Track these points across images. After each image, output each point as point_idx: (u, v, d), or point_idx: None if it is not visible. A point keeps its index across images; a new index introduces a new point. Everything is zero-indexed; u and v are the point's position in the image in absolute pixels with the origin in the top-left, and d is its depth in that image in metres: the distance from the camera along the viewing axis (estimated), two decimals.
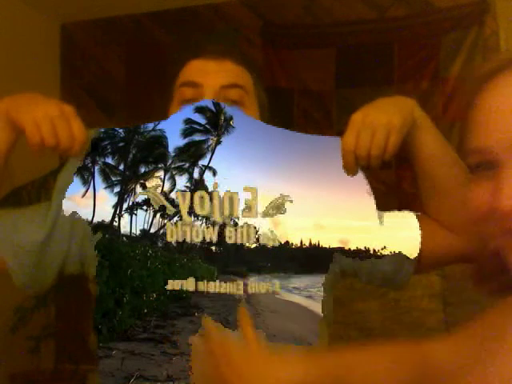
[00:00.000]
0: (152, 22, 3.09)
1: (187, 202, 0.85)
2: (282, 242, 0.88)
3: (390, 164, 2.59)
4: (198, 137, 0.89)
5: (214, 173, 0.88)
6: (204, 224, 0.85)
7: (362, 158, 0.82)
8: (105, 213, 0.90)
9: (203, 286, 0.83)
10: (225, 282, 0.83)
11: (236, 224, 0.85)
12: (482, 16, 2.52)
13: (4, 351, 2.44)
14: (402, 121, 0.82)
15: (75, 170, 0.89)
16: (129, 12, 3.06)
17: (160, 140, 0.92)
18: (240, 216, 0.85)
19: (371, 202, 0.88)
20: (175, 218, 0.86)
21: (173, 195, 0.89)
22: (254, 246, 0.86)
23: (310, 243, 0.89)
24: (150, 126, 0.96)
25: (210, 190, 0.87)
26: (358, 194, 0.87)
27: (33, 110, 0.81)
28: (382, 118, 0.81)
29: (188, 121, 0.91)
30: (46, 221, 0.85)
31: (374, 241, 0.88)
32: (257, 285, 0.84)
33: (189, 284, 0.83)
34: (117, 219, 0.90)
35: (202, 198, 0.85)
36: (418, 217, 0.90)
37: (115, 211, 0.90)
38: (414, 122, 0.84)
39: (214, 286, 0.83)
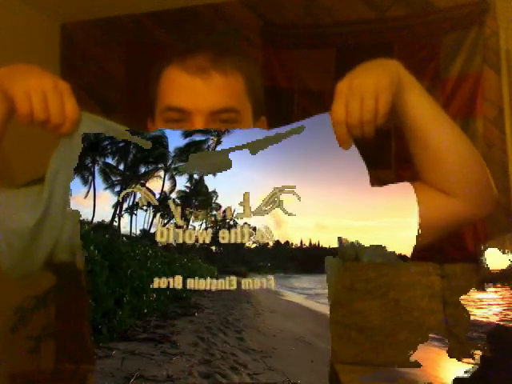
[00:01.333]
0: (152, 22, 3.09)
1: (179, 210, 0.84)
2: (282, 242, 0.88)
3: (390, 164, 2.59)
4: (198, 137, 0.89)
5: (214, 173, 0.88)
6: (200, 227, 0.85)
7: (354, 127, 0.79)
8: (105, 213, 0.89)
9: (193, 283, 0.81)
10: (217, 279, 0.82)
11: (235, 225, 0.85)
12: (482, 16, 2.52)
13: (4, 351, 2.44)
14: (389, 80, 0.79)
15: (68, 153, 0.84)
16: (129, 12, 3.06)
17: (160, 140, 0.92)
18: (234, 219, 0.85)
19: (372, 202, 0.88)
20: (168, 221, 0.85)
21: (173, 195, 0.89)
22: (253, 245, 0.86)
23: (310, 243, 0.89)
24: None
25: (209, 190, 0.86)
26: (359, 194, 0.87)
27: (25, 81, 0.78)
28: (368, 81, 0.78)
29: None
30: (38, 205, 0.82)
31: (374, 241, 0.88)
32: (251, 281, 0.83)
33: (176, 281, 0.81)
34: (117, 219, 0.90)
35: (194, 215, 0.85)
36: (413, 185, 0.87)
37: (115, 211, 0.90)
38: (399, 82, 0.81)
39: (205, 284, 0.82)
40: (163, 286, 0.81)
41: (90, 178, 0.93)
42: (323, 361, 0.86)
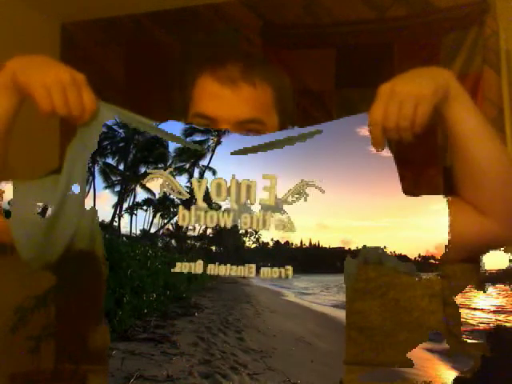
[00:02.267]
0: (152, 22, 3.09)
1: (203, 188, 0.84)
2: (282, 242, 0.88)
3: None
4: (198, 137, 0.89)
5: (214, 173, 0.88)
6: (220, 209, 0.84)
7: (389, 130, 0.78)
8: (105, 213, 0.90)
9: (213, 269, 0.81)
10: (237, 266, 0.81)
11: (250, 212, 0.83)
12: (482, 16, 2.52)
13: (4, 351, 2.44)
14: (432, 90, 0.78)
15: (86, 142, 0.85)
16: (129, 12, 3.06)
17: (160, 140, 0.92)
18: (257, 203, 0.83)
19: (373, 202, 0.88)
20: (168, 221, 0.85)
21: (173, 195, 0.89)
22: (254, 245, 0.86)
23: (310, 243, 0.89)
24: None
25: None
26: (360, 194, 0.87)
27: (43, 74, 0.78)
28: (410, 88, 0.78)
29: None
30: (55, 195, 0.83)
31: (375, 241, 0.88)
32: (270, 270, 0.82)
33: (197, 267, 0.81)
34: (117, 219, 0.90)
35: (219, 184, 0.84)
36: (448, 201, 0.85)
37: (115, 211, 0.90)
38: (447, 94, 0.79)
39: (225, 270, 0.81)
40: (185, 270, 0.81)
41: (90, 178, 0.93)
42: (323, 361, 0.86)
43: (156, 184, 0.91)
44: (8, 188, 0.83)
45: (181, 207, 0.83)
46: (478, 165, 0.81)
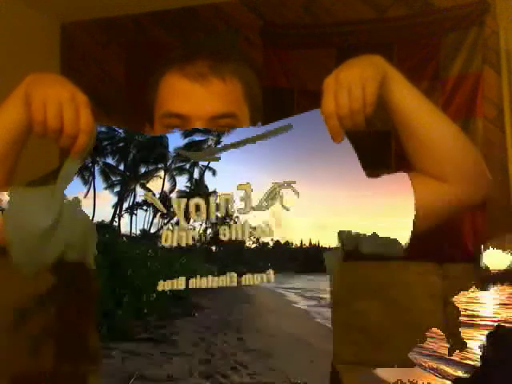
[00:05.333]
0: (152, 22, 3.10)
1: (182, 207, 0.85)
2: (282, 242, 0.88)
3: (390, 163, 2.59)
4: (198, 137, 0.89)
5: (214, 173, 0.88)
6: (201, 226, 0.86)
7: (344, 118, 0.81)
8: (105, 213, 0.89)
9: (195, 282, 0.82)
10: (218, 276, 0.83)
11: (235, 222, 0.85)
12: (482, 16, 2.52)
13: (4, 351, 2.44)
14: (374, 71, 0.82)
15: (82, 157, 0.86)
16: (129, 12, 3.06)
17: (160, 140, 0.92)
18: (235, 215, 0.85)
19: (372, 201, 0.88)
20: (172, 222, 0.86)
21: (173, 195, 0.89)
22: (254, 245, 0.86)
23: (310, 243, 0.89)
24: None
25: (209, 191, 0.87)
26: (359, 193, 0.87)
27: (44, 89, 0.80)
28: (353, 72, 0.82)
29: None
30: (53, 206, 0.84)
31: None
32: (251, 277, 0.83)
33: (180, 283, 0.82)
34: (117, 219, 0.90)
35: (197, 205, 0.85)
36: (409, 175, 0.88)
37: (115, 211, 0.90)
38: (386, 74, 0.84)
39: (207, 281, 0.83)
40: (167, 287, 0.82)
41: (90, 178, 0.93)
42: (323, 361, 0.86)
43: (156, 184, 0.91)
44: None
45: (164, 230, 0.85)
46: (426, 136, 0.86)
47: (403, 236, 0.87)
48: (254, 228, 0.85)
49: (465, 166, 0.87)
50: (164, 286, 0.83)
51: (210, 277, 0.83)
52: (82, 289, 0.89)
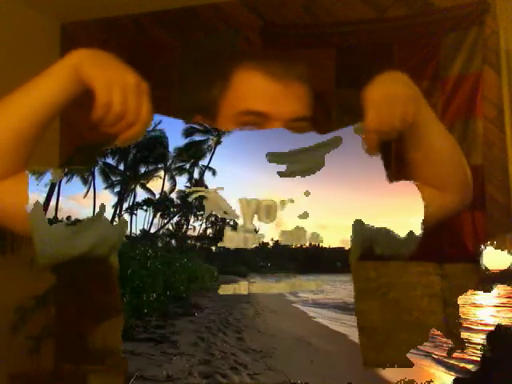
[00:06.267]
0: (152, 22, 3.09)
1: (252, 208, 0.84)
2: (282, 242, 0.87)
3: (390, 164, 2.59)
4: (198, 137, 0.89)
5: (214, 173, 0.88)
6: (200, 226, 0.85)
7: (383, 133, 0.82)
8: (105, 213, 0.89)
9: (255, 287, 0.82)
10: (276, 282, 0.83)
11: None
12: (482, 16, 2.52)
13: (4, 351, 2.44)
14: (414, 91, 0.84)
15: None
16: (129, 12, 3.06)
17: (160, 140, 0.92)
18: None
19: (373, 202, 0.88)
20: (168, 221, 0.85)
21: (173, 195, 0.89)
22: (254, 245, 0.86)
23: (310, 243, 0.89)
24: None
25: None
26: (359, 194, 0.87)
27: (109, 71, 0.76)
28: (399, 91, 0.82)
29: None
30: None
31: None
32: (228, 286, 0.83)
33: (241, 288, 0.82)
34: (117, 219, 0.90)
35: (269, 206, 0.84)
36: (417, 186, 0.91)
37: (115, 211, 0.90)
38: (418, 94, 0.86)
39: (263, 288, 0.82)
40: (229, 292, 0.82)
41: (90, 178, 0.93)
42: (323, 361, 0.86)
43: (156, 184, 0.91)
44: None
45: (227, 229, 0.83)
46: (436, 150, 0.89)
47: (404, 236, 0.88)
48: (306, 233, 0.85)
49: (461, 177, 0.93)
50: (225, 290, 0.82)
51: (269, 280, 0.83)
52: (103, 284, 0.87)
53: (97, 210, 0.89)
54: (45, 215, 0.79)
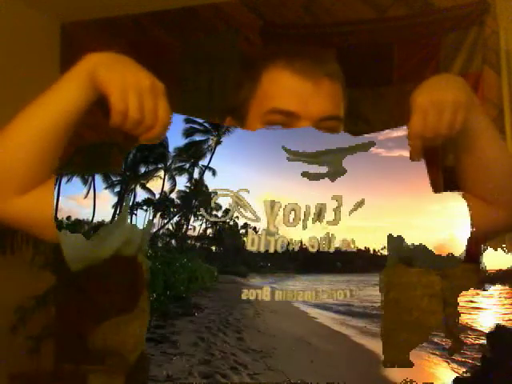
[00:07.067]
0: (152, 22, 3.10)
1: (275, 211, 0.82)
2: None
3: (437, 172, 2.58)
4: (198, 137, 0.89)
5: (214, 173, 0.88)
6: (200, 227, 0.84)
7: (428, 140, 0.79)
8: (105, 213, 0.89)
9: (278, 295, 0.82)
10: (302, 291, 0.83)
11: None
12: (482, 16, 2.52)
13: (4, 351, 2.44)
14: (465, 96, 0.80)
15: None
16: (129, 12, 3.06)
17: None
18: (324, 225, 0.84)
19: (374, 202, 0.88)
20: (168, 221, 0.85)
21: (173, 195, 0.89)
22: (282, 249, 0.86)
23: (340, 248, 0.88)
24: None
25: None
26: (360, 194, 0.87)
27: (123, 76, 0.74)
28: (447, 96, 0.78)
29: (188, 120, 0.91)
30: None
31: (376, 241, 0.88)
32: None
33: (264, 293, 0.81)
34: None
35: (293, 209, 0.83)
36: (464, 196, 0.88)
37: (115, 211, 0.90)
38: (472, 101, 0.81)
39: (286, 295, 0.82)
40: (252, 297, 0.81)
41: (90, 178, 0.93)
42: (323, 361, 0.86)
43: (156, 184, 0.91)
44: None
45: (250, 231, 0.82)
46: (492, 164, 0.86)
47: (409, 236, 0.87)
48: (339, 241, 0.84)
49: None
50: (248, 295, 0.81)
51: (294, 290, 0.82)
52: (132, 281, 0.86)
53: (97, 210, 0.89)
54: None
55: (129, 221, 0.84)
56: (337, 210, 0.84)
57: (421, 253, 0.88)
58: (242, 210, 0.83)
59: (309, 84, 0.85)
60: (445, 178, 0.94)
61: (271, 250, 0.81)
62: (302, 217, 0.83)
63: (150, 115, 0.74)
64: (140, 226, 0.84)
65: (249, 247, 0.81)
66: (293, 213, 0.82)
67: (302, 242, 0.89)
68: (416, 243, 0.87)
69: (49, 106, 0.78)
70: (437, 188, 0.89)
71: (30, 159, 0.78)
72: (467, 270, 0.97)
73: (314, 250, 0.82)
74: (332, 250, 0.83)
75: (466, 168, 0.89)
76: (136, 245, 0.84)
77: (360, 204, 0.85)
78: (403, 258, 0.89)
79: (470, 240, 0.88)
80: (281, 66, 0.87)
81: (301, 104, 0.85)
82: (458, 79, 0.84)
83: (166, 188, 0.91)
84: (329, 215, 0.84)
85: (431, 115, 0.77)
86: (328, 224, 0.84)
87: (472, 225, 0.87)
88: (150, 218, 0.88)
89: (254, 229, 0.82)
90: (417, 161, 0.83)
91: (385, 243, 0.88)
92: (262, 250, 0.82)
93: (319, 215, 0.83)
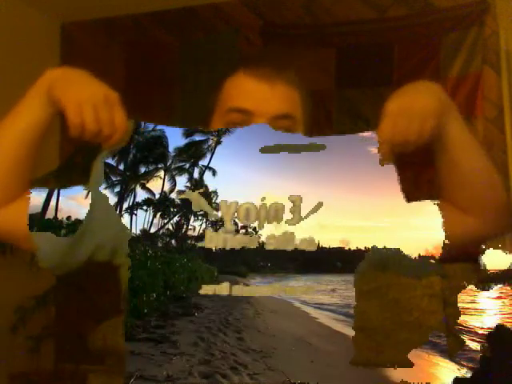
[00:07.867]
0: (152, 22, 3.09)
1: (231, 211, 0.84)
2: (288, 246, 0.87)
3: (408, 179, 2.58)
4: (198, 137, 0.90)
5: (214, 173, 0.89)
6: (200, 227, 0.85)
7: (397, 146, 0.81)
8: (98, 218, 0.89)
9: (236, 290, 0.83)
10: (263, 285, 0.83)
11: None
12: (482, 16, 2.52)
13: (4, 351, 2.44)
14: (437, 105, 0.80)
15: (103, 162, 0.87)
16: (129, 12, 3.05)
17: (160, 140, 0.93)
18: (283, 224, 0.85)
19: (373, 202, 0.88)
20: (168, 221, 0.85)
21: (173, 195, 0.89)
22: (254, 246, 0.86)
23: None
24: (150, 126, 0.96)
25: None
26: (359, 194, 0.87)
27: (77, 91, 0.79)
28: (417, 103, 0.80)
29: None
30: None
31: (375, 241, 0.88)
32: (208, 287, 0.83)
33: (222, 289, 0.82)
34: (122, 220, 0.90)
35: (248, 208, 0.84)
36: (439, 205, 0.89)
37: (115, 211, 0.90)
38: (444, 108, 0.82)
39: (244, 290, 0.82)
40: (210, 292, 0.82)
41: None
42: (323, 361, 0.86)
43: (156, 184, 0.91)
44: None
45: (208, 230, 0.84)
46: (467, 171, 0.86)
47: (409, 236, 0.88)
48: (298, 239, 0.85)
49: (492, 202, 0.88)
50: (207, 290, 0.82)
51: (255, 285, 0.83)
52: (109, 286, 0.89)
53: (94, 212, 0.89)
54: (45, 233, 0.84)
55: (100, 225, 0.86)
56: (296, 210, 0.85)
57: (393, 259, 0.88)
58: (200, 208, 0.85)
59: (264, 86, 0.92)
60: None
61: (227, 247, 0.83)
62: (259, 216, 0.84)
63: (107, 125, 0.79)
64: (112, 230, 0.86)
65: (207, 245, 0.83)
66: (250, 212, 0.84)
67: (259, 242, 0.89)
68: (391, 249, 0.88)
69: (13, 125, 0.82)
70: (409, 197, 0.90)
71: (3, 175, 0.82)
72: (467, 270, 0.97)
73: (272, 247, 0.84)
74: (290, 248, 0.84)
75: (442, 175, 0.89)
76: (107, 250, 0.87)
77: (318, 207, 0.86)
78: (377, 265, 0.89)
79: (445, 247, 0.88)
80: (240, 72, 0.96)
81: (255, 102, 0.92)
82: (433, 86, 0.85)
83: (166, 188, 0.91)
84: (288, 215, 0.85)
85: (400, 122, 0.79)
86: (287, 223, 0.85)
87: (445, 232, 0.87)
88: (150, 217, 0.88)
89: (214, 227, 0.84)
90: (386, 164, 0.84)
91: (384, 243, 0.88)
92: (220, 246, 0.82)
93: (277, 216, 0.84)
